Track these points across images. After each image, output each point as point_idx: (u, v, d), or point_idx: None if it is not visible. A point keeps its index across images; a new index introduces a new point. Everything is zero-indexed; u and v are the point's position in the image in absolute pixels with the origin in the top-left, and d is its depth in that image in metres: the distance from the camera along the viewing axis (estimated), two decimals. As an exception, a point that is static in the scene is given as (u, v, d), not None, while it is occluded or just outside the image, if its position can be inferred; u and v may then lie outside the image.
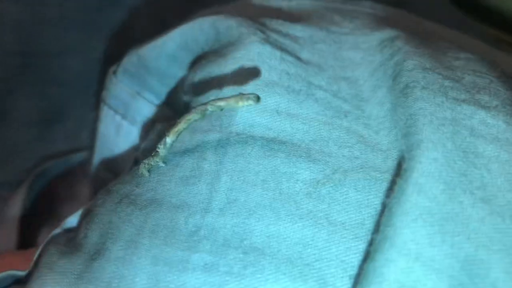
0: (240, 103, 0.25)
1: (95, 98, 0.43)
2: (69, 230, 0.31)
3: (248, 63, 0.30)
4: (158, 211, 0.26)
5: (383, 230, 0.23)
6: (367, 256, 0.23)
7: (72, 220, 0.31)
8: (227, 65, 0.30)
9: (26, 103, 0.40)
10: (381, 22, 0.35)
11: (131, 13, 0.45)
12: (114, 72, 0.37)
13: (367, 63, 0.32)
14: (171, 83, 0.36)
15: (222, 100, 0.25)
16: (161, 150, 0.27)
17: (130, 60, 0.37)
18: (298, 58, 0.31)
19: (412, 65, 0.29)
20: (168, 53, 0.35)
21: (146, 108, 0.37)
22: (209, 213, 0.25)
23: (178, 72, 0.35)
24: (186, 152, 0.28)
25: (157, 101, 0.37)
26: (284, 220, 0.25)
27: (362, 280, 0.23)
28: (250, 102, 0.25)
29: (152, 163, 0.27)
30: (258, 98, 0.25)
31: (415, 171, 0.24)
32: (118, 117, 0.37)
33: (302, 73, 0.30)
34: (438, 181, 0.24)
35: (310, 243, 0.24)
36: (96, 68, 0.43)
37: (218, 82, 0.30)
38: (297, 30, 0.33)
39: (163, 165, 0.27)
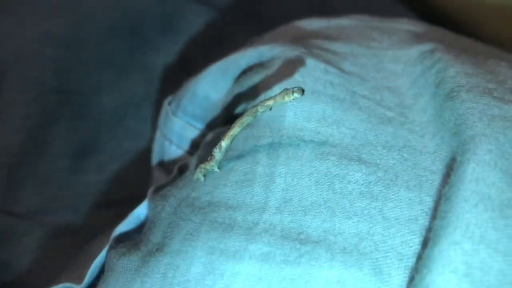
0: (287, 98, 0.25)
1: (126, 133, 0.46)
2: (127, 236, 0.32)
3: (293, 74, 0.31)
4: (217, 211, 0.27)
5: (444, 217, 0.24)
6: (427, 242, 0.24)
7: (140, 211, 0.32)
8: (273, 73, 0.32)
9: (63, 136, 0.42)
10: (419, 37, 0.36)
11: (161, 56, 0.48)
12: (169, 103, 0.39)
13: (408, 74, 0.33)
14: (213, 108, 0.37)
15: (270, 99, 0.26)
16: (217, 154, 0.28)
17: (182, 92, 0.38)
18: (341, 70, 0.32)
19: (455, 72, 0.30)
20: (210, 79, 0.36)
21: (191, 133, 0.38)
22: (266, 211, 0.26)
23: (217, 96, 0.37)
24: (239, 157, 0.29)
25: (201, 126, 0.38)
26: (339, 217, 0.26)
27: (426, 264, 0.23)
28: (296, 95, 0.25)
29: (208, 167, 0.28)
30: (302, 91, 0.25)
31: (472, 161, 0.25)
32: (166, 142, 0.39)
33: (346, 83, 0.31)
34: (495, 170, 0.24)
35: (366, 236, 0.25)
36: (127, 106, 0.46)
37: (267, 83, 0.31)
38: (337, 46, 0.35)
39: (218, 170, 0.28)
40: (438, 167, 0.27)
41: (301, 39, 0.35)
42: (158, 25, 0.48)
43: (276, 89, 0.31)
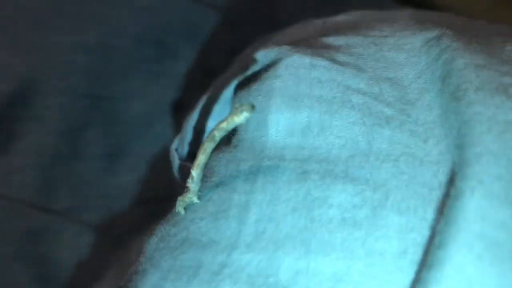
0: (236, 119, 0.22)
1: (153, 137, 0.48)
2: None
3: (274, 81, 0.27)
4: (187, 252, 0.23)
5: (437, 269, 0.19)
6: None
7: None
8: (255, 88, 0.28)
9: (95, 139, 0.45)
10: (424, 24, 0.31)
11: (185, 64, 0.50)
12: (176, 150, 0.36)
13: (412, 65, 0.28)
14: None
15: (224, 121, 0.23)
16: (191, 185, 0.25)
17: (182, 134, 0.35)
18: (334, 60, 0.28)
19: (463, 64, 0.25)
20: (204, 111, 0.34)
21: None
22: (236, 249, 0.22)
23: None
24: (220, 185, 0.25)
25: None
26: (316, 253, 0.21)
27: None
28: (245, 114, 0.22)
29: (186, 200, 0.26)
30: (252, 107, 0.22)
31: (476, 192, 0.20)
32: None
33: (338, 77, 0.27)
34: (505, 204, 0.19)
35: (343, 278, 0.21)
36: (155, 111, 0.48)
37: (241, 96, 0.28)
38: (330, 40, 0.30)
39: (198, 201, 0.26)
40: (441, 182, 0.22)
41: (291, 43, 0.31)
42: (183, 35, 0.50)
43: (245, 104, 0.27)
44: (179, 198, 0.26)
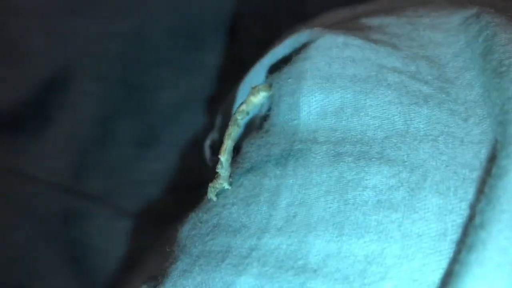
0: (253, 98, 0.22)
1: (183, 126, 0.49)
2: None
3: (304, 63, 0.26)
4: (217, 238, 0.24)
5: (475, 249, 0.18)
6: (451, 276, 0.19)
7: None
8: (285, 71, 0.27)
9: (127, 127, 0.46)
10: (460, 3, 0.29)
11: (216, 55, 0.51)
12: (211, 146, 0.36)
13: (449, 44, 0.27)
14: None
15: (243, 103, 0.23)
16: (221, 171, 0.25)
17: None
18: (366, 38, 0.27)
19: (506, 39, 0.24)
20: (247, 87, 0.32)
21: None
22: (266, 233, 0.22)
23: None
24: (251, 170, 0.25)
25: None
26: (349, 235, 0.21)
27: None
28: (262, 93, 0.22)
29: (217, 186, 0.26)
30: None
31: None
32: None
33: (372, 55, 0.26)
34: None
35: (377, 260, 0.20)
36: (186, 101, 0.49)
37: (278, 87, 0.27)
38: (362, 22, 0.29)
39: (229, 186, 0.26)
40: (482, 163, 0.21)
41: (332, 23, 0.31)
42: (215, 27, 0.51)
43: (288, 91, 0.26)
44: (210, 184, 0.26)
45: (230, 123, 0.24)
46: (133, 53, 0.48)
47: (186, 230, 0.26)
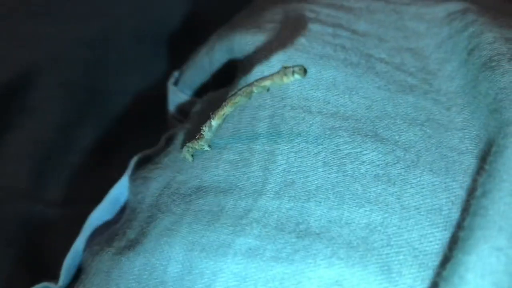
0: (285, 79, 0.21)
1: (148, 133, 0.49)
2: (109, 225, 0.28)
3: (299, 38, 0.27)
4: (204, 197, 0.23)
5: (484, 214, 0.19)
6: (457, 242, 0.20)
7: (118, 192, 0.29)
8: (273, 37, 0.27)
9: (89, 133, 0.46)
10: None
11: (182, 60, 0.51)
12: (175, 84, 0.36)
13: (432, 35, 0.28)
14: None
15: (267, 79, 0.22)
16: (206, 133, 0.24)
17: (184, 70, 0.35)
18: (354, 31, 0.28)
19: (493, 37, 0.25)
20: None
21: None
22: (263, 195, 0.22)
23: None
24: (235, 133, 0.25)
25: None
26: (349, 204, 0.22)
27: (457, 271, 0.19)
28: (297, 76, 0.20)
29: (197, 147, 0.25)
30: (304, 71, 0.21)
31: None
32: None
33: (360, 46, 0.27)
34: None
35: (378, 228, 0.21)
36: (148, 106, 0.49)
37: (266, 52, 0.27)
38: (352, 1, 0.30)
39: (209, 149, 0.25)
40: (468, 147, 0.23)
41: None
42: (181, 33, 0.51)
43: (274, 61, 0.26)
44: (188, 144, 0.25)
45: (241, 92, 0.23)
46: (98, 58, 0.48)
47: (153, 187, 0.25)
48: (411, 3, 0.30)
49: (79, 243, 0.28)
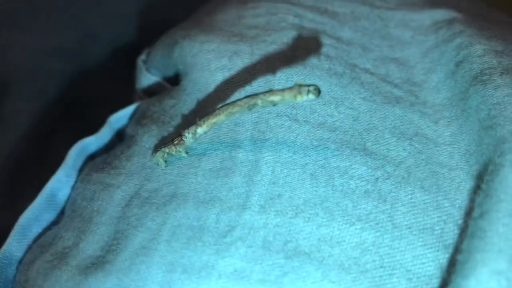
0: (299, 97, 0.19)
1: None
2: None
3: (282, 48, 0.26)
4: (182, 209, 0.21)
5: (482, 236, 0.18)
6: (455, 265, 0.19)
7: (54, 187, 0.27)
8: (259, 47, 0.26)
9: (63, 146, 0.45)
10: (432, 0, 0.30)
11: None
12: (144, 62, 0.34)
13: (418, 43, 0.27)
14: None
15: (276, 94, 0.20)
16: (188, 139, 0.22)
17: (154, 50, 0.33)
18: (339, 39, 0.27)
19: (482, 50, 0.25)
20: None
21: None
22: (247, 209, 0.21)
23: None
24: (215, 138, 0.24)
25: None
26: (339, 221, 0.21)
27: None
28: (311, 96, 0.19)
29: (173, 152, 0.23)
30: (319, 91, 0.19)
31: None
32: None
33: (344, 55, 0.26)
34: None
35: (370, 248, 0.20)
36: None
37: (264, 64, 0.25)
38: (336, 5, 0.29)
39: (186, 155, 0.23)
40: (458, 163, 0.22)
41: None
42: (156, 41, 0.51)
43: (257, 73, 0.24)
44: (163, 149, 0.23)
45: (241, 103, 0.21)
46: (74, 68, 0.48)
47: (117, 197, 0.23)
48: (396, 8, 0.29)
49: (9, 246, 0.25)
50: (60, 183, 0.27)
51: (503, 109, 0.22)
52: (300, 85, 0.19)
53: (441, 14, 0.28)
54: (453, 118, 0.24)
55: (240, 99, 0.21)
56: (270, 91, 0.20)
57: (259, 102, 0.21)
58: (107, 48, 0.49)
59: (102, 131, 0.30)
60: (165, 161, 0.23)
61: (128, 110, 0.32)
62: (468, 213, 0.20)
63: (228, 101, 0.23)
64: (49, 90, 0.47)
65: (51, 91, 0.47)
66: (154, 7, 0.52)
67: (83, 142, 0.30)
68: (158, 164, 0.23)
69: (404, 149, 0.23)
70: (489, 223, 0.18)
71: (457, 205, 0.21)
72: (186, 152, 0.23)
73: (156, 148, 0.23)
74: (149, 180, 0.23)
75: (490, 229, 0.18)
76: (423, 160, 0.22)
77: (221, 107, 0.22)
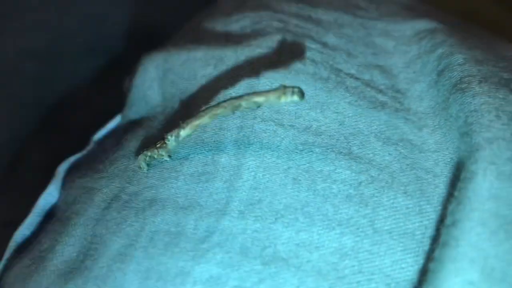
0: (283, 99, 0.20)
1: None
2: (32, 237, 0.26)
3: (264, 51, 0.26)
4: (160, 214, 0.21)
5: (454, 245, 0.18)
6: (427, 273, 0.19)
7: (45, 202, 0.26)
8: (244, 52, 0.26)
9: (38, 150, 0.44)
10: (413, 11, 0.31)
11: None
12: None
13: (401, 53, 0.28)
14: None
15: (261, 95, 0.20)
16: (171, 142, 0.22)
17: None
18: (325, 44, 0.27)
19: (463, 59, 0.25)
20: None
21: None
22: (226, 215, 0.21)
23: None
24: (198, 142, 0.23)
25: None
26: (319, 226, 0.21)
27: None
28: (295, 98, 0.19)
29: (156, 155, 0.23)
30: (303, 94, 0.20)
31: (489, 173, 0.20)
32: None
33: (329, 60, 0.26)
34: None
35: (349, 253, 0.20)
36: (101, 121, 0.48)
37: (251, 68, 0.25)
38: (320, 13, 0.29)
39: (168, 159, 0.23)
40: (442, 171, 0.22)
41: (281, 2, 0.30)
42: (134, 46, 0.50)
43: (266, 81, 0.24)
44: (146, 152, 0.23)
45: (225, 105, 0.21)
46: (47, 71, 0.47)
47: (100, 200, 0.23)
48: (378, 18, 0.30)
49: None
50: (52, 197, 0.27)
51: (479, 116, 0.22)
52: (285, 87, 0.20)
53: (422, 24, 0.28)
54: (436, 126, 0.24)
55: (224, 101, 0.21)
56: (254, 93, 0.20)
57: (243, 103, 0.21)
58: (81, 50, 0.48)
59: (88, 149, 0.30)
60: (148, 165, 0.23)
61: (111, 125, 0.32)
62: (442, 221, 0.20)
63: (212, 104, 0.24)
64: (22, 92, 0.46)
65: (25, 93, 0.46)
66: (131, 7, 0.51)
67: (71, 160, 0.30)
68: (140, 168, 0.23)
69: (389, 154, 0.23)
70: (462, 232, 0.19)
71: (439, 212, 0.21)
72: (169, 156, 0.23)
73: (139, 151, 0.23)
74: (131, 183, 0.23)
75: (462, 238, 0.18)
76: (408, 165, 0.22)
77: (205, 109, 0.21)
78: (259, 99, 0.20)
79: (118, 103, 0.49)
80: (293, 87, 0.20)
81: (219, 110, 0.21)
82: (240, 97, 0.21)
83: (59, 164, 0.44)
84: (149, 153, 0.23)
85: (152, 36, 0.51)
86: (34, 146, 0.44)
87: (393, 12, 0.30)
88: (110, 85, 0.48)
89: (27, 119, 0.45)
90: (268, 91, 0.20)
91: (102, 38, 0.49)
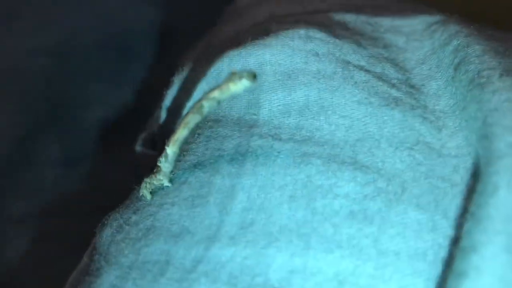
0: (233, 87, 0.19)
1: (112, 145, 0.47)
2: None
3: (263, 52, 0.24)
4: (154, 243, 0.20)
5: (463, 273, 0.16)
6: None
7: None
8: (241, 57, 0.24)
9: (50, 146, 0.44)
10: (420, 8, 0.28)
11: (147, 68, 0.50)
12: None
13: (413, 49, 0.25)
14: None
15: (215, 89, 0.19)
16: (163, 164, 0.21)
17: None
18: (330, 33, 0.24)
19: (481, 50, 0.22)
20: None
21: None
22: (216, 242, 0.19)
23: None
24: (197, 165, 0.22)
25: None
26: (316, 249, 0.18)
27: None
28: (245, 82, 0.18)
29: (155, 182, 0.22)
30: (253, 76, 0.18)
31: (510, 185, 0.17)
32: None
33: (336, 50, 0.24)
34: None
35: (348, 279, 0.18)
36: (114, 117, 0.48)
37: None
38: (321, 18, 0.27)
39: (169, 184, 0.22)
40: (463, 178, 0.19)
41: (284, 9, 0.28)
42: (144, 39, 0.50)
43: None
44: (146, 179, 0.22)
45: (191, 110, 0.20)
46: (59, 68, 0.46)
47: (107, 235, 0.22)
48: (383, 14, 0.27)
49: None
50: None
51: (501, 116, 0.19)
52: (233, 73, 0.19)
53: (433, 17, 0.26)
54: (457, 128, 0.21)
55: (193, 107, 0.20)
56: (211, 90, 0.20)
57: (204, 103, 0.20)
58: (93, 47, 0.48)
59: None
60: (151, 193, 0.22)
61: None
62: (456, 241, 0.18)
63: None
64: (33, 89, 0.45)
65: (37, 90, 0.45)
66: (143, 4, 0.51)
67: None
68: (143, 197, 0.22)
69: (402, 161, 0.20)
70: (484, 261, 0.16)
71: (456, 227, 0.18)
72: (170, 181, 0.22)
73: (143, 180, 0.23)
74: (136, 213, 0.22)
75: (485, 268, 0.15)
76: (422, 172, 0.20)
77: (179, 122, 0.21)
78: (215, 94, 0.19)
79: (134, 98, 0.49)
80: (241, 72, 0.18)
81: (188, 118, 0.20)
82: (201, 98, 0.20)
83: (75, 158, 0.44)
84: (148, 181, 0.22)
85: (164, 33, 0.51)
86: (49, 142, 0.44)
87: (400, 10, 0.28)
88: (123, 78, 0.49)
89: (39, 116, 0.45)
90: (222, 84, 0.19)
91: (113, 33, 0.49)
